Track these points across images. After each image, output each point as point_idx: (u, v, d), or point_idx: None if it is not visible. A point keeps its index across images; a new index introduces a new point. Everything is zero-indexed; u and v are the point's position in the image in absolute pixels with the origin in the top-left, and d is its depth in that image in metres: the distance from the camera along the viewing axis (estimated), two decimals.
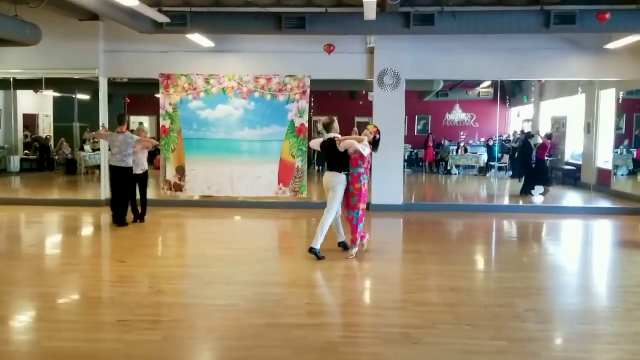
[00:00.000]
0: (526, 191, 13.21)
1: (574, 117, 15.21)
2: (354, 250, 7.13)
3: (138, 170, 9.39)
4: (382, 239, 9.10)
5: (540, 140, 13.56)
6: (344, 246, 7.40)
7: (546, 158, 13.36)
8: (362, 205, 7.13)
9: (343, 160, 7.01)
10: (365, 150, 6.97)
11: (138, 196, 9.55)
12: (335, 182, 6.99)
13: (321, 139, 7.36)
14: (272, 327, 4.68)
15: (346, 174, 7.01)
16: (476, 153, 18.29)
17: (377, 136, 7.34)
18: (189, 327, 4.77)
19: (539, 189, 13.21)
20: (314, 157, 19.80)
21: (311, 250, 6.97)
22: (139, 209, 9.52)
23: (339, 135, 7.18)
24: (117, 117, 9.60)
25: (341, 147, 6.92)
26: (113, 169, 9.16)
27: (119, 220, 9.14)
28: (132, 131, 9.90)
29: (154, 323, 4.79)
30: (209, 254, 7.34)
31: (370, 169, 8.08)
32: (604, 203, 11.91)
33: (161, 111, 11.08)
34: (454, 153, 18.47)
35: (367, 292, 6.15)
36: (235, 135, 10.99)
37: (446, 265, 7.16)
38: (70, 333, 4.59)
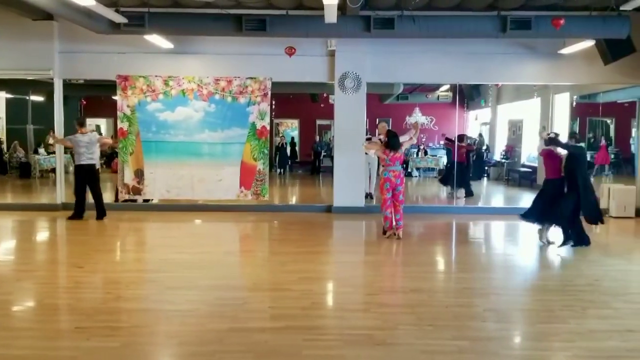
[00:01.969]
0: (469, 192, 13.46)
1: (530, 120, 15.58)
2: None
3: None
4: (345, 241, 9.14)
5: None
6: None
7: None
8: (384, 195, 8.47)
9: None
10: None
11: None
12: None
13: None
14: (235, 331, 4.62)
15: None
16: (436, 156, 18.54)
17: (384, 137, 8.71)
18: (150, 333, 4.68)
19: (461, 191, 13.44)
20: (276, 160, 19.78)
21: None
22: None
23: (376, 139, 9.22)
24: (77, 120, 10.21)
25: None
26: (82, 168, 9.73)
27: (80, 214, 9.84)
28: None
29: (113, 330, 4.67)
30: (169, 259, 7.22)
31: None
32: None
33: (119, 113, 10.86)
34: (415, 156, 18.69)
35: (330, 294, 6.14)
36: (196, 138, 10.86)
37: (408, 267, 7.25)
38: (26, 341, 4.44)
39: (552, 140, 8.07)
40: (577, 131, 13.84)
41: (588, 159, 14.26)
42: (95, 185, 9.91)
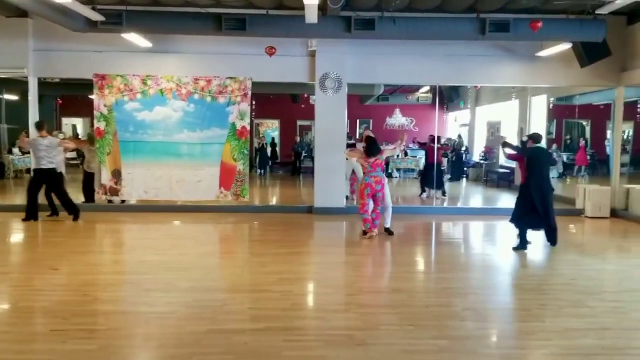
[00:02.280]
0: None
1: (508, 122, 15.75)
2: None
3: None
4: (325, 242, 9.13)
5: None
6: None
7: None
8: (363, 200, 8.59)
9: None
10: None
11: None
12: None
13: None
14: (213, 333, 4.58)
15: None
16: (416, 157, 18.66)
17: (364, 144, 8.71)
18: (127, 336, 4.62)
19: (431, 191, 13.60)
20: (256, 160, 19.71)
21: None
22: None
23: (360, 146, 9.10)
24: (35, 124, 10.00)
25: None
26: (42, 172, 9.56)
27: (34, 215, 9.70)
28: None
29: (90, 332, 4.60)
30: (147, 260, 7.14)
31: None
32: None
33: (95, 113, 10.72)
34: (395, 157, 18.76)
35: (310, 295, 6.13)
36: (174, 138, 10.76)
37: (388, 267, 7.28)
38: (0, 344, 4.34)
39: (504, 144, 8.12)
40: (553, 132, 14.07)
41: (565, 159, 14.51)
42: (58, 188, 9.76)
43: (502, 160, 16.25)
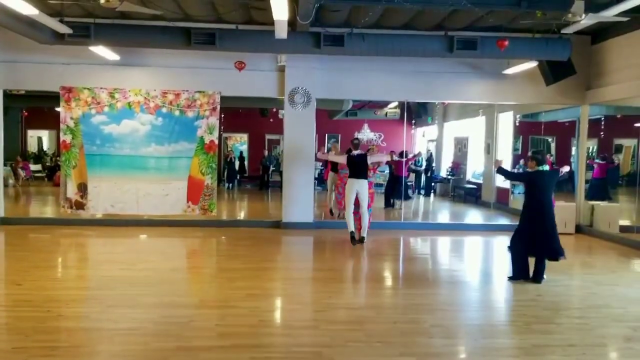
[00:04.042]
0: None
1: (475, 138, 15.98)
2: None
3: None
4: (293, 257, 9.09)
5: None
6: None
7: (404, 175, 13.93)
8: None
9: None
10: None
11: None
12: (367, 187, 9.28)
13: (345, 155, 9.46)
14: (180, 351, 4.50)
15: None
16: (384, 172, 18.73)
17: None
18: (90, 353, 4.51)
19: (396, 202, 13.88)
20: (224, 175, 19.56)
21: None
22: None
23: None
24: None
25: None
26: None
27: None
28: None
29: (53, 349, 4.48)
30: (113, 276, 6.99)
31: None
32: (503, 220, 12.54)
33: (62, 126, 10.51)
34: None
35: (278, 311, 6.08)
36: (142, 152, 10.61)
37: (356, 283, 7.27)
38: None
39: (499, 170, 7.60)
40: (519, 149, 14.30)
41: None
42: None
43: (469, 176, 16.50)
